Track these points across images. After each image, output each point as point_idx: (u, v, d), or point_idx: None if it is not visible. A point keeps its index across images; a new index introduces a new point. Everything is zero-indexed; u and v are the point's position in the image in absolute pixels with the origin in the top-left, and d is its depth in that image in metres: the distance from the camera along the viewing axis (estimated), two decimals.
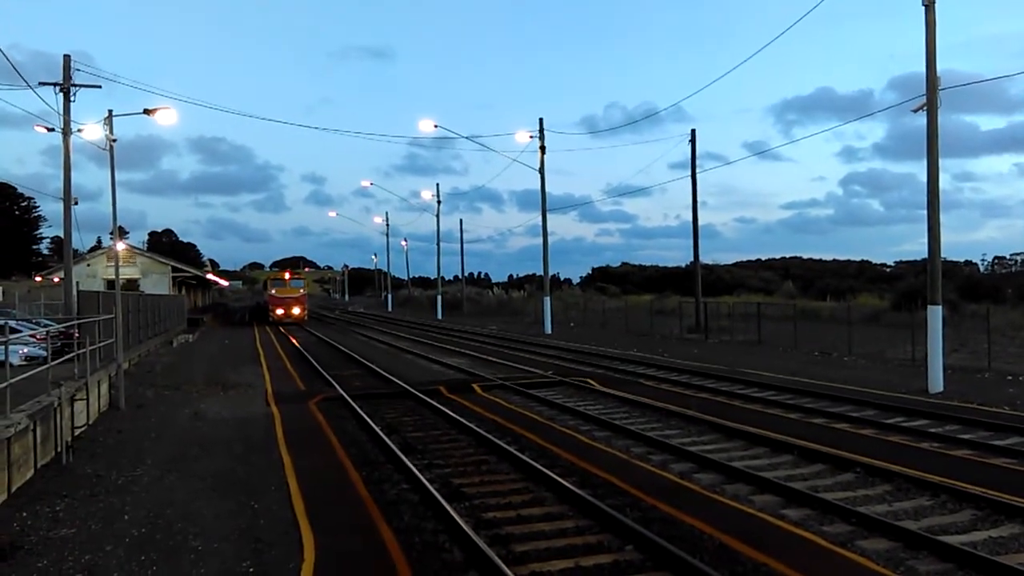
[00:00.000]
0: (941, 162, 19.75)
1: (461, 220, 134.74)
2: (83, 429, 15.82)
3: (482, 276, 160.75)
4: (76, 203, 24.33)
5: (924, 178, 19.97)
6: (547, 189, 46.09)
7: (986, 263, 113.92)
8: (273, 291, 63.30)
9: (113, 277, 23.94)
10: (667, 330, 42.36)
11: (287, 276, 65.21)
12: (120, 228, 23.65)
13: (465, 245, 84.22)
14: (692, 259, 44.16)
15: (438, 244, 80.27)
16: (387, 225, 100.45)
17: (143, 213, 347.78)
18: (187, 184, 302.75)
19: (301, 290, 63.90)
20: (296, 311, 61.78)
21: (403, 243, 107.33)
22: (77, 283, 26.40)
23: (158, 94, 64.29)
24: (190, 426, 16.83)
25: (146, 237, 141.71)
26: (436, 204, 74.81)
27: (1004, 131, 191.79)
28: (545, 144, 45.04)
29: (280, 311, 61.30)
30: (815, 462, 12.45)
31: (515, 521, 9.58)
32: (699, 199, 42.46)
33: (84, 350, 16.81)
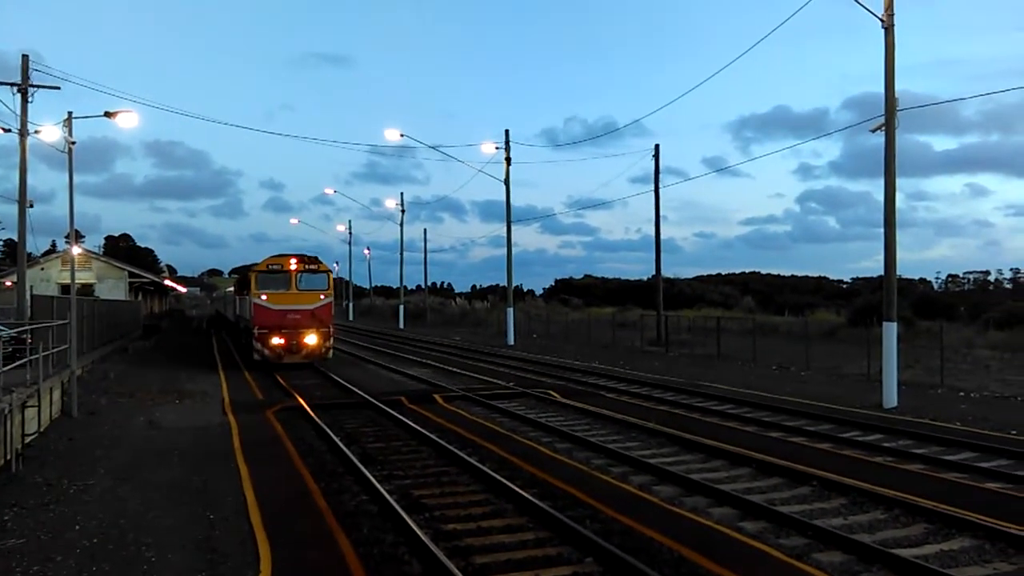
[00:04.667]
0: (897, 181, 20.17)
1: (425, 230, 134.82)
2: (34, 437, 15.47)
3: (445, 286, 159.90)
4: (32, 206, 23.82)
5: (879, 196, 20.48)
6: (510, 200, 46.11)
7: (940, 281, 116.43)
8: (263, 297, 30.53)
9: (67, 282, 23.47)
10: (629, 342, 42.61)
11: (293, 265, 30.95)
12: (76, 232, 23.23)
13: (428, 254, 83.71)
14: (654, 272, 44.53)
15: (401, 253, 79.86)
16: (350, 233, 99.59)
17: (98, 217, 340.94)
18: (143, 188, 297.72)
19: (322, 295, 31.10)
20: (312, 340, 30.55)
21: (366, 252, 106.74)
22: (31, 287, 25.84)
23: (112, 95, 61.90)
24: (144, 435, 16.54)
25: (102, 241, 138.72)
26: (400, 213, 74.41)
27: (956, 152, 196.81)
28: (510, 156, 45.18)
29: (278, 340, 30.17)
30: (772, 475, 12.59)
31: (475, 533, 9.56)
32: (660, 213, 42.79)
33: (37, 356, 16.45)
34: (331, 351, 31.79)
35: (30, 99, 23.09)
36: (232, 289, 55.85)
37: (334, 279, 31.84)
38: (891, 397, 19.73)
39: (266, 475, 12.59)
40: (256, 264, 31.87)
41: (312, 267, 31.13)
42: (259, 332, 30.23)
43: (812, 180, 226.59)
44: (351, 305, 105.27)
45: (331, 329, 31.50)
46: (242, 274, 42.51)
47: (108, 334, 34.85)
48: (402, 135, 45.36)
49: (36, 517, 10.33)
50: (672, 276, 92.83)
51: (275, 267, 30.93)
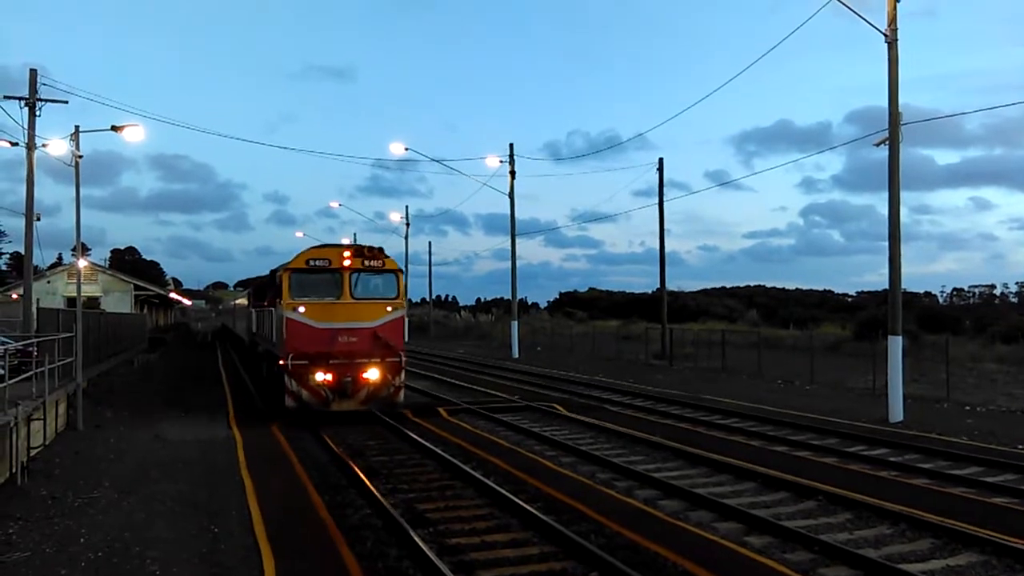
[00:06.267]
0: (901, 195, 20.20)
1: (430, 243, 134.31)
2: (39, 450, 15.50)
3: (449, 299, 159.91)
4: (39, 219, 23.91)
5: (883, 210, 20.47)
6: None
7: (945, 295, 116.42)
8: (300, 309, 19.82)
9: (73, 294, 23.57)
10: (633, 356, 42.55)
11: (347, 261, 20.17)
12: (82, 245, 23.34)
13: (432, 268, 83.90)
14: (658, 286, 44.55)
15: (406, 266, 79.94)
16: None
17: (103, 230, 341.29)
18: (148, 201, 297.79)
19: (389, 307, 20.50)
20: (374, 375, 20.00)
21: None
22: (37, 300, 25.92)
23: (117, 108, 61.95)
24: (150, 448, 16.55)
25: (108, 254, 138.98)
26: (404, 227, 74.66)
27: (959, 166, 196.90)
28: (515, 169, 45.32)
29: (324, 376, 19.65)
30: (778, 490, 12.55)
31: (480, 547, 9.54)
32: (664, 227, 42.81)
33: (43, 369, 16.48)
34: (403, 392, 20.96)
35: (38, 113, 23.24)
36: (243, 301, 42.29)
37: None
38: (897, 411, 19.66)
39: (270, 488, 12.58)
40: (288, 261, 20.85)
41: (375, 263, 20.52)
42: (294, 364, 19.40)
43: (816, 193, 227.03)
44: None
45: (402, 359, 20.47)
46: (263, 279, 27.95)
47: (114, 347, 34.92)
48: (407, 148, 45.54)
49: (41, 530, 10.34)
50: (676, 289, 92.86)
51: (319, 263, 20.21)
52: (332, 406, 19.74)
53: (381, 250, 20.80)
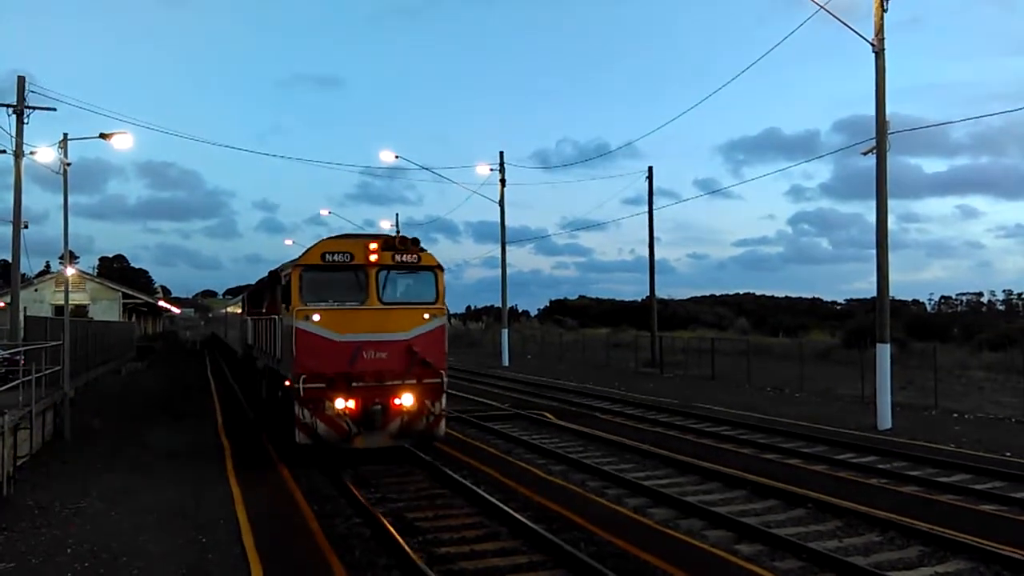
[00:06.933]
0: (888, 203, 20.30)
1: None
2: (26, 459, 15.38)
3: None
4: (26, 226, 23.78)
5: (871, 218, 20.56)
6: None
7: (933, 302, 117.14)
8: (315, 317, 15.11)
9: (61, 302, 23.44)
10: (623, 363, 42.59)
11: (374, 256, 15.66)
12: (70, 253, 23.21)
13: None
14: (648, 293, 44.61)
15: None
16: None
17: (91, 238, 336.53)
18: (136, 209, 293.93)
19: (427, 314, 15.81)
20: (408, 400, 15.33)
21: None
22: (24, 308, 25.77)
23: (105, 116, 60.14)
24: (137, 457, 16.43)
25: (96, 262, 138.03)
26: (396, 234, 74.70)
27: (946, 174, 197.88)
28: (505, 177, 45.42)
29: (345, 403, 14.95)
30: (768, 497, 12.58)
31: (469, 556, 9.51)
32: (654, 235, 42.91)
33: (30, 378, 16.37)
34: (444, 423, 16.29)
35: (26, 121, 23.14)
36: (235, 308, 37.44)
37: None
38: (885, 419, 19.73)
39: (259, 498, 12.51)
40: (298, 256, 16.52)
41: (409, 258, 16.22)
42: (307, 388, 14.96)
43: (804, 202, 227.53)
44: None
45: (444, 380, 16.05)
46: (261, 282, 22.99)
47: (102, 355, 34.70)
48: (397, 156, 45.57)
49: (27, 541, 10.25)
50: (666, 297, 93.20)
51: (339, 258, 15.83)
52: (356, 442, 15.23)
53: (416, 241, 16.44)
